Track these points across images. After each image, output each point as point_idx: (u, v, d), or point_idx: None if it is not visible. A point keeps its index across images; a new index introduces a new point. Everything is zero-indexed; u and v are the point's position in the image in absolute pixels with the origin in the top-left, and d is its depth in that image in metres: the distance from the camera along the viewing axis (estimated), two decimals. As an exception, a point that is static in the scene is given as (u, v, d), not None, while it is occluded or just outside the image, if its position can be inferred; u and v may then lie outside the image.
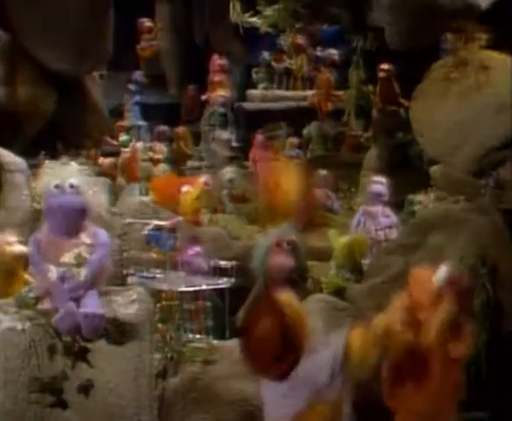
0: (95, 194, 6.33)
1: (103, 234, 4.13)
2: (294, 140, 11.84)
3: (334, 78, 12.33)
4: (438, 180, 7.42)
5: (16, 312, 3.76)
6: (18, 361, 3.65)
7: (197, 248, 5.76)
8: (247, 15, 6.99)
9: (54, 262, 3.87)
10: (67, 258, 3.89)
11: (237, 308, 5.74)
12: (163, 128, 12.42)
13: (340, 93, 12.25)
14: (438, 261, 4.83)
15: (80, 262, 3.91)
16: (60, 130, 7.65)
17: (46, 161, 6.64)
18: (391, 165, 10.34)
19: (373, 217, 7.80)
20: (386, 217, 7.81)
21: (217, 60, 12.51)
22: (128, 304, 3.97)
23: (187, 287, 5.18)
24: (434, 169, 7.74)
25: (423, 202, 7.50)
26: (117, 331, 3.89)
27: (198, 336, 5.30)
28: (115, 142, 11.97)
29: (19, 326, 3.68)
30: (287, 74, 12.87)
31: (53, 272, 3.86)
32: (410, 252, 4.98)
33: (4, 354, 3.65)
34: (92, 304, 3.80)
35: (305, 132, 11.90)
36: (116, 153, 11.25)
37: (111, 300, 4.00)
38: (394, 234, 7.75)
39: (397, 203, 8.11)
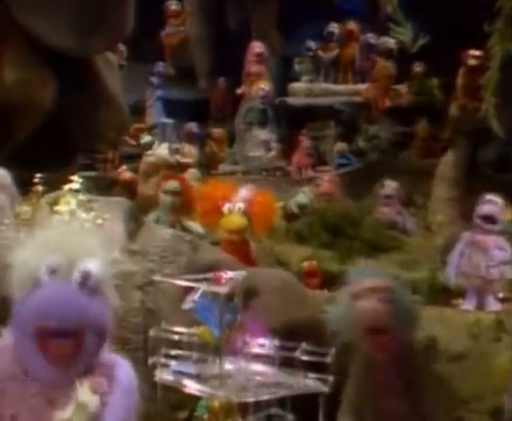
0: (106, 223, 4.14)
1: (125, 369, 1.95)
2: (343, 145, 9.70)
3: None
4: None
5: None
6: None
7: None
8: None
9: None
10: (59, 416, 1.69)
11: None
12: (193, 127, 10.28)
13: (399, 87, 10.09)
14: None
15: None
16: (64, 129, 5.42)
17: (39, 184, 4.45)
18: (473, 174, 8.19)
19: (484, 248, 5.65)
20: (500, 249, 5.64)
21: (256, 49, 10.33)
22: None
23: (254, 396, 2.96)
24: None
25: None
26: None
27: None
28: (133, 142, 9.87)
29: None
30: (334, 65, 10.66)
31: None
32: None
33: None
34: None
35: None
36: (135, 157, 9.15)
37: None
38: (510, 273, 5.62)
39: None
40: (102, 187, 8.41)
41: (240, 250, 4.98)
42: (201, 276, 3.11)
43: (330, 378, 3.05)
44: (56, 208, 4.13)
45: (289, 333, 3.92)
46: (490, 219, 5.75)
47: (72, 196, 4.17)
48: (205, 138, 10.46)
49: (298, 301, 4.17)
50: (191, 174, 8.71)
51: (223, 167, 10.20)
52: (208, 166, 9.87)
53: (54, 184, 4.37)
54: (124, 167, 8.87)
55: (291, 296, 4.19)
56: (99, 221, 4.10)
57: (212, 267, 3.97)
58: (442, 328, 4.80)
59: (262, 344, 3.17)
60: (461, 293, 6.02)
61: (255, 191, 5.32)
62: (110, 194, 8.52)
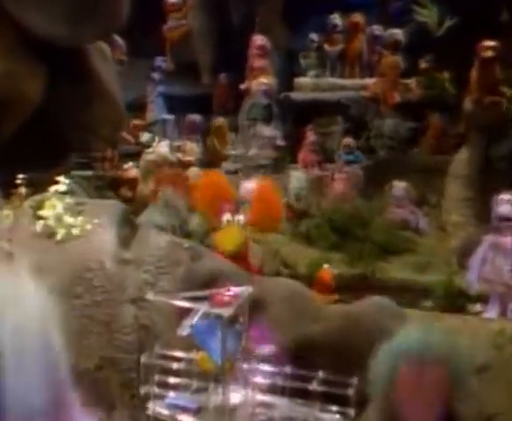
0: (94, 230, 3.67)
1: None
2: (350, 140, 9.18)
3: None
4: None
5: None
6: None
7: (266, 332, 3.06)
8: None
9: None
10: None
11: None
12: (194, 119, 9.76)
13: (409, 81, 9.56)
14: None
15: None
16: (54, 125, 4.95)
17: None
18: (487, 170, 7.69)
19: (505, 251, 5.18)
20: (522, 252, 5.18)
21: (258, 42, 9.80)
22: None
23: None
24: None
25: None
26: None
27: None
28: (131, 139, 9.37)
29: None
30: (341, 58, 10.13)
31: None
32: None
33: None
34: None
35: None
36: (135, 155, 8.66)
37: None
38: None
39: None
40: (100, 186, 7.93)
41: (238, 262, 4.49)
42: (200, 294, 2.65)
43: (352, 412, 2.59)
44: (40, 212, 3.67)
45: (301, 350, 3.47)
46: (508, 219, 5.30)
47: (58, 199, 3.70)
48: (207, 133, 9.96)
49: (310, 313, 3.70)
50: (193, 172, 8.23)
51: (226, 165, 9.69)
52: (210, 163, 9.37)
53: (40, 186, 3.90)
54: (130, 164, 8.39)
55: (302, 308, 3.71)
56: (88, 227, 3.64)
57: (213, 278, 3.51)
58: (463, 338, 4.31)
59: (271, 371, 2.70)
60: (479, 298, 5.58)
61: (257, 186, 4.87)
62: (110, 194, 8.06)
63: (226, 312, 2.44)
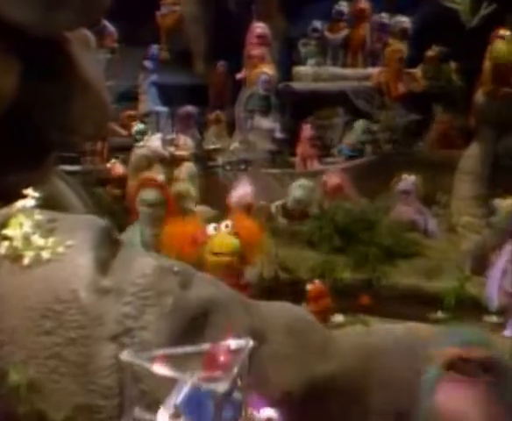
0: (68, 253, 3.10)
1: None
2: (354, 137, 8.68)
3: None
4: None
5: None
6: None
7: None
8: None
9: None
10: None
11: None
12: (189, 111, 9.24)
13: (414, 71, 9.05)
14: None
15: None
16: (31, 124, 4.40)
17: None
18: (499, 167, 7.17)
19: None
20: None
21: (257, 30, 9.26)
22: None
23: None
24: None
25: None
26: None
27: None
28: (124, 132, 8.84)
29: None
30: (343, 46, 9.59)
31: None
32: None
33: None
34: None
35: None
36: (127, 148, 8.13)
37: None
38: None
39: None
40: (89, 182, 7.39)
41: (231, 277, 4.01)
42: (190, 350, 2.09)
43: None
44: (5, 231, 3.11)
45: (310, 395, 2.92)
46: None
47: (26, 215, 3.14)
48: (203, 126, 9.42)
49: (319, 349, 3.13)
50: (187, 168, 7.67)
51: (222, 160, 9.15)
52: (205, 158, 8.84)
53: (6, 198, 3.32)
54: (113, 160, 7.85)
55: (309, 343, 3.15)
56: (60, 249, 3.07)
57: (206, 310, 2.97)
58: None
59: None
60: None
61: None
62: (99, 190, 7.51)
63: (221, 387, 1.89)
